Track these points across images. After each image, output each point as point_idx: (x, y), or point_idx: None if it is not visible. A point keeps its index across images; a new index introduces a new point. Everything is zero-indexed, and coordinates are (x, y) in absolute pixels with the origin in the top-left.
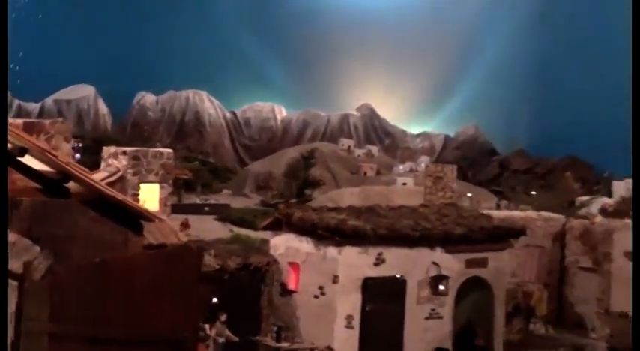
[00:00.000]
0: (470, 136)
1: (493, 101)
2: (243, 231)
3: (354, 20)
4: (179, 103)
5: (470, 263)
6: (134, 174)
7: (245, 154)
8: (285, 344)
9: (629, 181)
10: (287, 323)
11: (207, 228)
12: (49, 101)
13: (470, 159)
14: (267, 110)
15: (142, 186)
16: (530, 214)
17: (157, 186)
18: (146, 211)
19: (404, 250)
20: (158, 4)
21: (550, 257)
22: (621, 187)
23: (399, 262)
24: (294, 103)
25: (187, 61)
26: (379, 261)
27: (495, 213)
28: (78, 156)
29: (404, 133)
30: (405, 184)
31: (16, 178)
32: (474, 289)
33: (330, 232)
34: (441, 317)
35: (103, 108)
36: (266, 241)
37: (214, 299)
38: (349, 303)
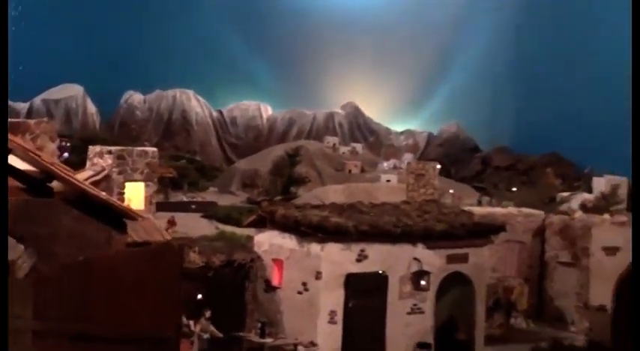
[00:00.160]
0: (453, 133)
1: (475, 99)
2: (229, 228)
3: (339, 20)
4: (166, 102)
5: (451, 259)
6: (119, 173)
7: (232, 152)
8: (269, 340)
9: (609, 177)
10: (271, 319)
11: (194, 225)
12: (37, 101)
13: (453, 156)
14: (253, 109)
15: (128, 184)
16: (511, 210)
17: (142, 184)
18: (129, 209)
19: (386, 247)
20: (145, 4)
21: (530, 252)
22: (601, 183)
23: (381, 258)
24: (280, 102)
25: (174, 61)
26: (361, 257)
27: (476, 209)
28: (66, 155)
29: (388, 130)
30: (389, 180)
31: None
32: (455, 285)
33: (313, 229)
34: (422, 312)
35: (91, 107)
36: (251, 238)
37: (199, 296)
38: (332, 299)
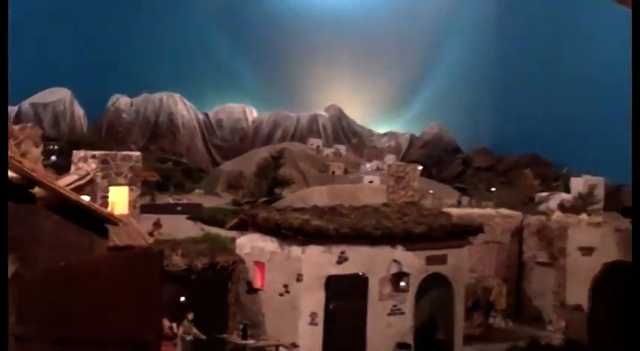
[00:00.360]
0: (434, 134)
1: (457, 100)
2: (214, 230)
3: (323, 24)
4: (153, 105)
5: (430, 260)
6: (103, 177)
7: (217, 154)
8: (251, 341)
9: (587, 177)
10: (253, 321)
11: (179, 227)
12: (25, 104)
13: (434, 157)
14: (238, 111)
15: (112, 188)
16: (490, 211)
17: (125, 188)
18: (110, 214)
19: (366, 249)
20: (132, 9)
21: (509, 253)
22: (579, 184)
23: (361, 260)
24: (264, 105)
25: (160, 65)
26: (342, 259)
27: (455, 211)
28: (54, 158)
29: (371, 132)
30: (371, 182)
31: None
32: (434, 286)
33: (294, 232)
34: (402, 313)
35: (79, 110)
36: (235, 240)
37: (182, 298)
38: (313, 300)
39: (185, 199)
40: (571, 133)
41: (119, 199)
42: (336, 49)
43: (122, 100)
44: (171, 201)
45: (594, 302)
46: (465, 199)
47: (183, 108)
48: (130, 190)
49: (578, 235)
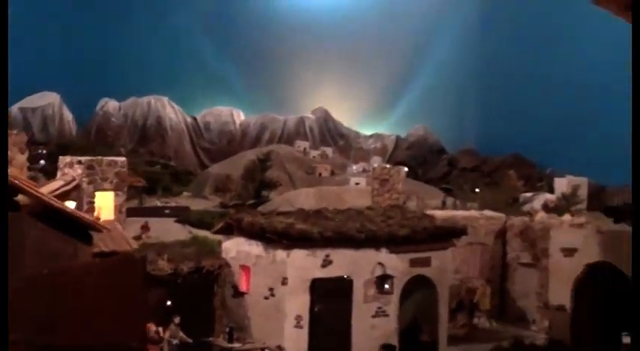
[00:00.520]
0: (420, 136)
1: (442, 102)
2: (202, 232)
3: (309, 27)
4: (141, 108)
5: (414, 263)
6: (89, 182)
7: (205, 157)
8: (237, 345)
9: (570, 177)
10: (239, 324)
11: (167, 230)
12: (14, 109)
13: (420, 158)
14: (226, 114)
15: (98, 194)
16: (473, 213)
17: (111, 193)
18: (94, 221)
19: (350, 252)
20: (119, 13)
21: (492, 254)
22: (563, 184)
23: (345, 263)
24: (252, 107)
25: (148, 68)
26: (326, 262)
27: (439, 213)
28: (43, 162)
29: (357, 134)
30: (357, 183)
31: None
32: (418, 288)
33: (279, 236)
34: (387, 315)
35: (68, 114)
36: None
37: (168, 302)
38: (298, 303)
39: (173, 202)
40: (555, 133)
41: (105, 205)
42: (322, 51)
43: (111, 104)
44: (159, 204)
45: (577, 302)
46: (449, 200)
47: (171, 111)
48: (116, 195)
49: (561, 237)
